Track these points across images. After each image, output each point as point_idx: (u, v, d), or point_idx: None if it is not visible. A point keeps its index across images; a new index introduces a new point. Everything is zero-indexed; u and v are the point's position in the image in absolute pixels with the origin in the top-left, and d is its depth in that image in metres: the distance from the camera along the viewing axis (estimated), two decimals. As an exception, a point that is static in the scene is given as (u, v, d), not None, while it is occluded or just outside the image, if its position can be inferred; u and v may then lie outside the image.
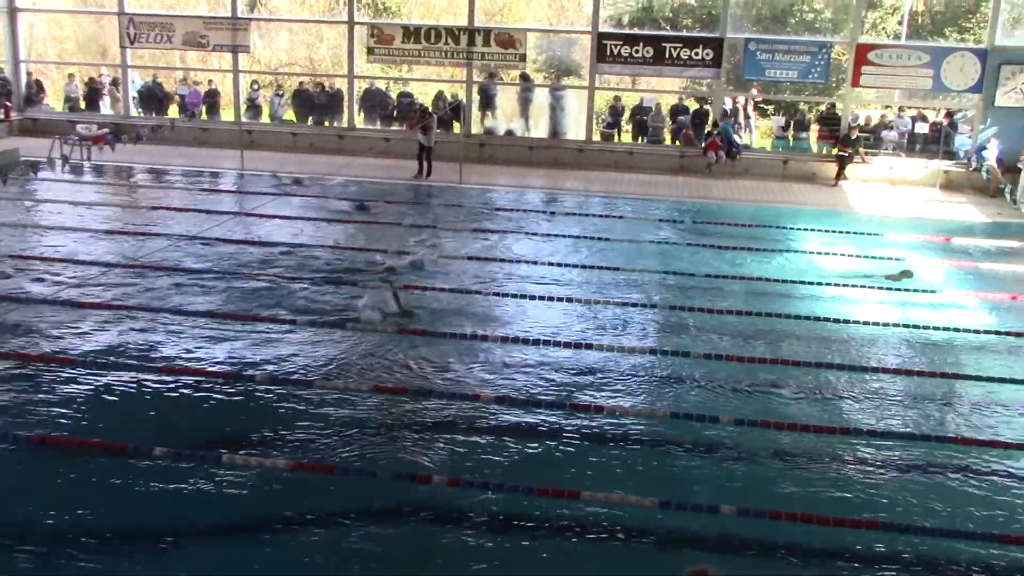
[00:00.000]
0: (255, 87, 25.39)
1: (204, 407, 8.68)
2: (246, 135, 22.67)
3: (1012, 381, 9.71)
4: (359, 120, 24.39)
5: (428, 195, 18.95)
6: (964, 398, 9.52)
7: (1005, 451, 8.30)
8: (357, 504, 7.07)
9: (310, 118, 24.90)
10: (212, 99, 25.40)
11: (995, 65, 20.83)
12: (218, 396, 8.85)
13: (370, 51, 23.29)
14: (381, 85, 25.40)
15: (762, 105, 25.38)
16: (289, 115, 25.34)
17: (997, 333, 11.34)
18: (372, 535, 6.77)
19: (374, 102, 24.68)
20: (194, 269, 12.62)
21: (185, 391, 8.95)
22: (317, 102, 24.77)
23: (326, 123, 24.66)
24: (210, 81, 26.00)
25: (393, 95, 25.21)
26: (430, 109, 22.10)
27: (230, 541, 6.72)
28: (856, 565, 6.64)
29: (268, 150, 22.49)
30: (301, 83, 26.21)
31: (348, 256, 13.62)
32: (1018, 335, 11.20)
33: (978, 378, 9.77)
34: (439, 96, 24.62)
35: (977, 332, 11.28)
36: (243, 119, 24.27)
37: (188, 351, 9.85)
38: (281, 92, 25.65)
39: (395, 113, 24.55)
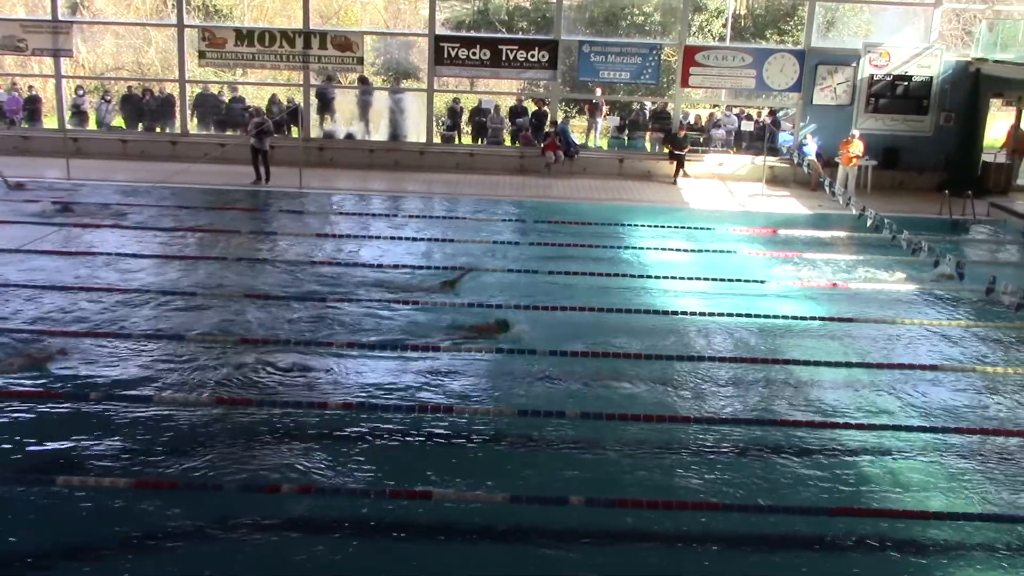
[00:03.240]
0: (80, 92, 24.31)
1: (36, 429, 8.27)
2: (71, 143, 21.70)
3: (835, 364, 10.31)
4: (192, 126, 23.63)
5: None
6: (791, 381, 10.01)
7: (830, 430, 8.82)
8: (203, 519, 6.90)
9: (140, 124, 23.98)
10: (33, 105, 24.13)
11: (812, 65, 22.03)
12: (50, 416, 8.47)
13: (201, 55, 22.63)
14: (215, 90, 24.73)
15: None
16: (118, 121, 24.34)
17: (820, 319, 11.98)
18: (219, 549, 6.63)
19: (207, 107, 24.01)
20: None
21: (14, 414, 8.52)
22: (147, 108, 23.89)
23: (158, 129, 23.80)
24: (30, 87, 24.73)
25: (227, 100, 24.60)
26: (264, 112, 21.66)
27: (69, 565, 6.44)
28: (700, 547, 6.94)
29: (96, 158, 21.49)
30: (130, 88, 25.23)
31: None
32: (839, 320, 11.89)
33: (805, 363, 10.30)
34: (273, 100, 24.17)
35: (801, 319, 11.87)
36: (68, 126, 23.21)
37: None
38: (108, 98, 24.63)
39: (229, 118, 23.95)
